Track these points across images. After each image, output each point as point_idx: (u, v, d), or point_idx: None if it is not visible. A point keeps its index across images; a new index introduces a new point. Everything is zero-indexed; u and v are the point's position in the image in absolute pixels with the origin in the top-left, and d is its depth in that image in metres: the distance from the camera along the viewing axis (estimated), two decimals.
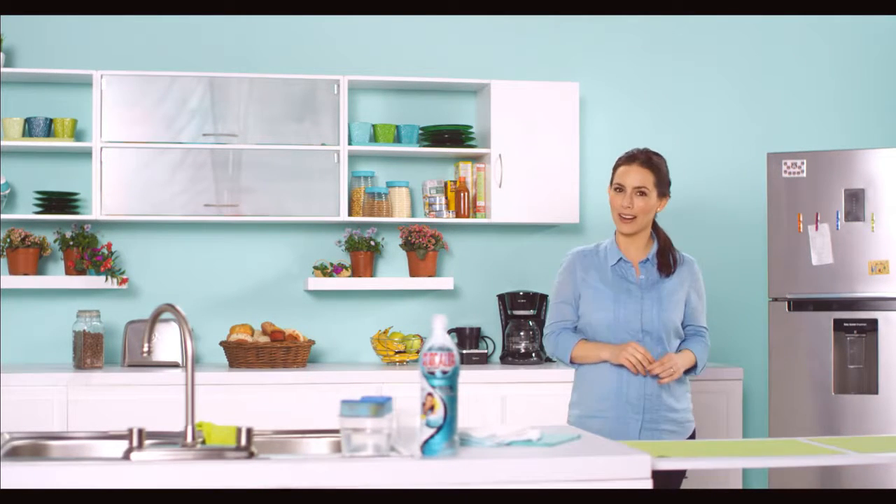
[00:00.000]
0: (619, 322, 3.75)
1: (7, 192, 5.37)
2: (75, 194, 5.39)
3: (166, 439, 2.97)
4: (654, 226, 3.88)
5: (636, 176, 3.78)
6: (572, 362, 3.81)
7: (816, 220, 5.23)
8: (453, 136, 5.55)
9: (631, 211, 3.79)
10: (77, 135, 5.47)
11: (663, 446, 3.11)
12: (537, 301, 5.64)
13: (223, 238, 5.63)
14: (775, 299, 5.31)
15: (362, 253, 5.56)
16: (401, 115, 5.71)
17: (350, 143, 5.49)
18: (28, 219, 5.33)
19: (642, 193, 3.78)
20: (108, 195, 5.26)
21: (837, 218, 5.20)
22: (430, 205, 5.60)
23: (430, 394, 2.70)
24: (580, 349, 3.78)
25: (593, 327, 3.78)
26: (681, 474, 3.69)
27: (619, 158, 3.86)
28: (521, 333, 5.61)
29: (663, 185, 3.83)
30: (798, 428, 5.17)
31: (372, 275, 5.62)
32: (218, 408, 4.28)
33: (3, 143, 5.25)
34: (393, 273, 5.73)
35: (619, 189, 3.80)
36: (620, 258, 3.82)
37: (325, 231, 5.67)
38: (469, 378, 5.00)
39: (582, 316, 3.81)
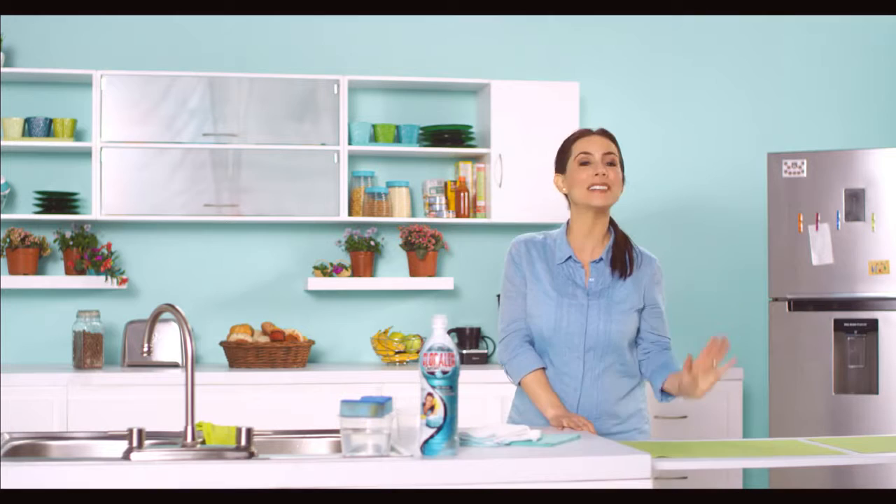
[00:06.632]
0: (561, 333, 3.31)
1: (7, 192, 5.37)
2: (75, 194, 5.39)
3: (166, 439, 2.97)
4: (611, 221, 3.41)
5: (602, 143, 3.33)
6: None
7: (817, 220, 5.22)
8: (453, 136, 5.55)
9: (605, 179, 3.29)
10: (77, 135, 5.46)
11: (663, 446, 3.10)
12: None
13: (223, 238, 5.63)
14: (775, 299, 5.31)
15: (362, 253, 5.56)
16: (401, 115, 5.71)
17: (350, 143, 5.49)
18: (28, 219, 5.33)
19: (612, 163, 3.31)
20: (107, 195, 5.26)
21: (838, 218, 5.20)
22: (430, 205, 5.60)
23: (430, 394, 2.70)
24: (530, 385, 3.36)
25: (534, 331, 3.36)
26: None
27: (572, 135, 3.40)
28: None
29: (623, 164, 3.39)
30: (798, 428, 5.17)
31: (372, 275, 5.61)
32: (218, 408, 4.27)
33: (3, 143, 5.25)
34: (393, 273, 5.72)
35: (585, 162, 3.31)
36: (569, 256, 3.35)
37: (325, 231, 5.67)
38: (469, 378, 4.99)
39: (527, 314, 3.38)
